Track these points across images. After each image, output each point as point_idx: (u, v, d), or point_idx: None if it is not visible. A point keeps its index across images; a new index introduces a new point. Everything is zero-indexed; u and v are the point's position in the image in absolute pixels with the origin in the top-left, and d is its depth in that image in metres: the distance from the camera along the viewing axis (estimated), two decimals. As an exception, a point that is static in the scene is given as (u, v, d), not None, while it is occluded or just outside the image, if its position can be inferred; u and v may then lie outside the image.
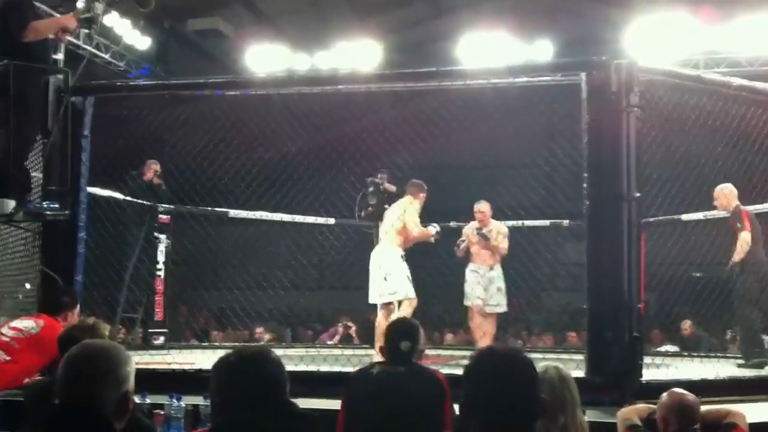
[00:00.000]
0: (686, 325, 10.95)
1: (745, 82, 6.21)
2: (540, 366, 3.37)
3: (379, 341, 7.06)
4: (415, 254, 8.19)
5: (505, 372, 2.12)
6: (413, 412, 3.74)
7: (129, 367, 2.31)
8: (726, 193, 7.52)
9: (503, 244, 8.45)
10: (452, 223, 10.09)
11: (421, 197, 7.93)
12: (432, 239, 8.04)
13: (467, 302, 8.52)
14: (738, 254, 7.32)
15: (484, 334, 8.30)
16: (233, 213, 9.47)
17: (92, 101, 6.52)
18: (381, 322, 7.39)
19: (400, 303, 7.50)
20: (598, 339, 5.23)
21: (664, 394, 3.80)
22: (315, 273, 11.84)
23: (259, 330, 11.16)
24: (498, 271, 8.49)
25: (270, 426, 2.32)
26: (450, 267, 9.28)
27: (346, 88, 7.47)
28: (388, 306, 7.55)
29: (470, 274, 8.52)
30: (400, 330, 4.13)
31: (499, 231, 8.52)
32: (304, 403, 4.39)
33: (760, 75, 10.21)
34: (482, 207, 8.60)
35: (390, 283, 7.52)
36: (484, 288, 8.42)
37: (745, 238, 7.26)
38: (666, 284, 9.48)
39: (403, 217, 7.71)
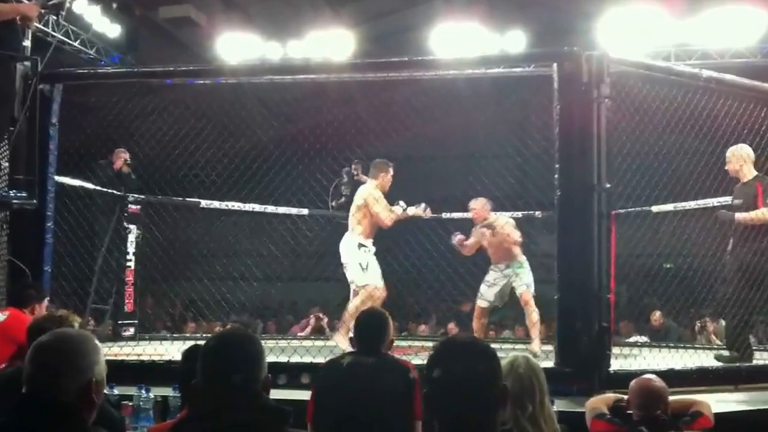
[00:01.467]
0: (656, 315, 11.06)
1: (714, 74, 6.24)
2: (509, 356, 3.41)
3: (343, 328, 7.31)
4: (389, 243, 8.18)
5: (466, 361, 2.12)
6: (383, 402, 3.73)
7: (95, 357, 2.30)
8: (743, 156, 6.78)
9: (514, 234, 8.06)
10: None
11: (382, 177, 7.65)
12: (423, 214, 7.84)
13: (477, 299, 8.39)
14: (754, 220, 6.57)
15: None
16: (204, 203, 9.39)
17: (60, 89, 6.44)
18: (348, 309, 7.41)
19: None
20: (568, 329, 5.26)
21: (634, 380, 3.87)
22: (287, 264, 11.78)
23: (233, 323, 11.11)
24: (512, 268, 8.14)
25: (242, 418, 2.29)
26: (423, 257, 9.27)
27: (319, 77, 7.44)
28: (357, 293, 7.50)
29: (489, 272, 8.34)
30: (368, 321, 4.12)
31: (507, 222, 8.22)
32: (273, 393, 4.46)
33: (729, 67, 10.27)
34: (473, 204, 8.32)
35: (348, 272, 7.51)
36: (491, 285, 8.23)
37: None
38: (636, 275, 9.56)
39: (361, 205, 7.51)
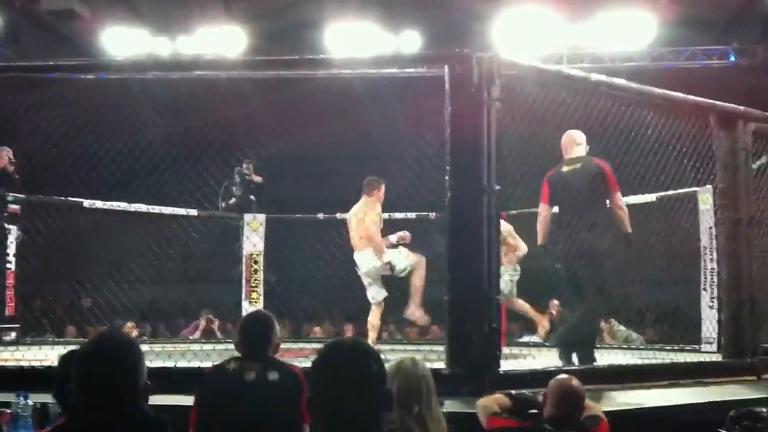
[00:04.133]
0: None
1: (603, 77, 6.33)
2: (396, 358, 3.39)
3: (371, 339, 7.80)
4: (288, 246, 8.09)
5: (351, 364, 2.13)
6: (270, 407, 3.67)
7: None
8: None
9: (520, 244, 8.64)
10: (319, 215, 10.03)
11: (376, 194, 8.06)
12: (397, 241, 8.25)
13: None
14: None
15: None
16: (88, 203, 9.10)
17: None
18: (372, 321, 8.11)
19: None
20: (458, 330, 5.24)
21: (552, 380, 3.90)
22: (175, 266, 11.53)
23: (129, 325, 10.80)
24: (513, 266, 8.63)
25: (118, 427, 2.19)
26: (319, 260, 9.20)
27: (210, 74, 7.27)
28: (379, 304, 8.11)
29: None
30: (253, 324, 4.04)
31: (510, 232, 8.56)
32: (158, 400, 4.30)
33: (620, 71, 10.56)
34: None
35: (371, 290, 8.12)
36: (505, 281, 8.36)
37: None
38: (530, 276, 9.69)
39: (364, 221, 7.95)
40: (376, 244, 7.94)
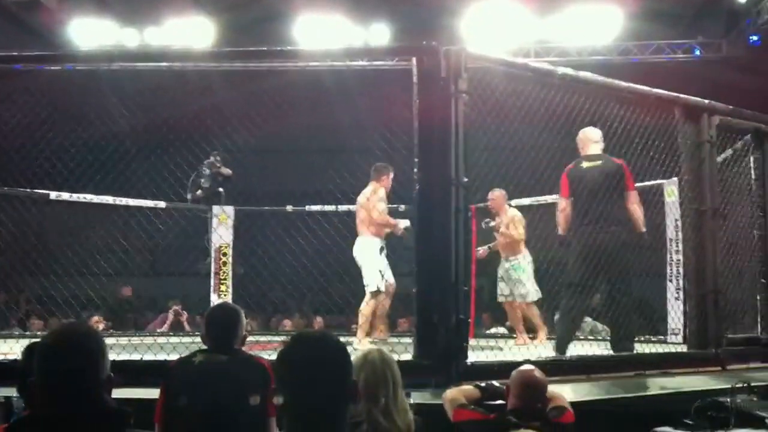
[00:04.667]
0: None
1: (569, 70, 6.36)
2: (362, 349, 3.39)
3: (362, 329, 7.69)
4: (256, 239, 8.04)
5: (316, 355, 2.13)
6: (237, 400, 3.67)
7: None
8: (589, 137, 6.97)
9: (514, 231, 8.38)
10: (288, 207, 10.01)
11: (383, 181, 7.97)
12: (399, 233, 8.05)
13: None
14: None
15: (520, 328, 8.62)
16: (55, 195, 9.01)
17: None
18: (363, 310, 7.80)
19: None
20: (426, 322, 5.25)
21: (515, 371, 3.94)
22: (142, 259, 11.46)
23: (95, 319, 10.71)
24: (514, 262, 8.46)
25: (79, 420, 2.16)
26: (286, 253, 9.18)
27: (178, 66, 7.22)
28: (374, 295, 7.83)
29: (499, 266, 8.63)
30: (219, 317, 4.03)
31: (512, 219, 8.44)
32: (123, 393, 4.27)
33: (588, 65, 10.61)
34: (492, 195, 8.42)
35: (364, 275, 7.86)
36: (506, 280, 8.48)
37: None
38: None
39: (366, 206, 7.86)
40: (382, 221, 7.90)
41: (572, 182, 6.87)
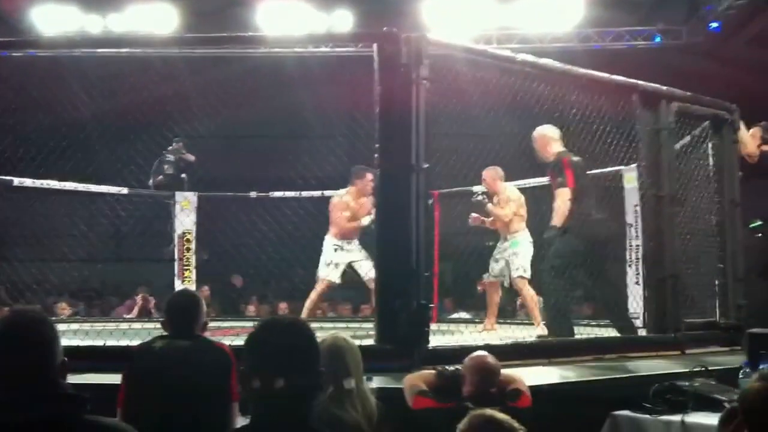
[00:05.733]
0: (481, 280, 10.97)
1: (528, 57, 6.40)
2: (323, 335, 3.42)
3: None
4: (220, 225, 8.01)
5: (284, 341, 2.16)
6: (199, 385, 3.67)
7: None
8: (542, 136, 7.07)
9: (500, 211, 8.06)
10: (252, 194, 10.00)
11: (358, 184, 8.15)
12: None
13: None
14: (559, 216, 6.81)
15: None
16: (18, 181, 8.94)
17: None
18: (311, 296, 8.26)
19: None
20: (387, 307, 5.29)
21: (468, 357, 3.98)
22: (106, 245, 11.38)
23: (61, 306, 10.64)
24: (512, 240, 8.07)
25: (35, 407, 2.14)
26: (250, 239, 9.18)
27: (140, 52, 7.19)
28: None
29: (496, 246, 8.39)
30: (180, 302, 4.08)
31: (508, 197, 8.13)
32: (86, 378, 4.28)
33: (549, 52, 10.65)
34: (484, 173, 8.15)
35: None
36: (497, 260, 8.22)
37: (565, 196, 6.84)
38: (461, 254, 9.80)
39: (333, 208, 8.22)
40: (350, 228, 8.19)
41: (576, 172, 6.89)
